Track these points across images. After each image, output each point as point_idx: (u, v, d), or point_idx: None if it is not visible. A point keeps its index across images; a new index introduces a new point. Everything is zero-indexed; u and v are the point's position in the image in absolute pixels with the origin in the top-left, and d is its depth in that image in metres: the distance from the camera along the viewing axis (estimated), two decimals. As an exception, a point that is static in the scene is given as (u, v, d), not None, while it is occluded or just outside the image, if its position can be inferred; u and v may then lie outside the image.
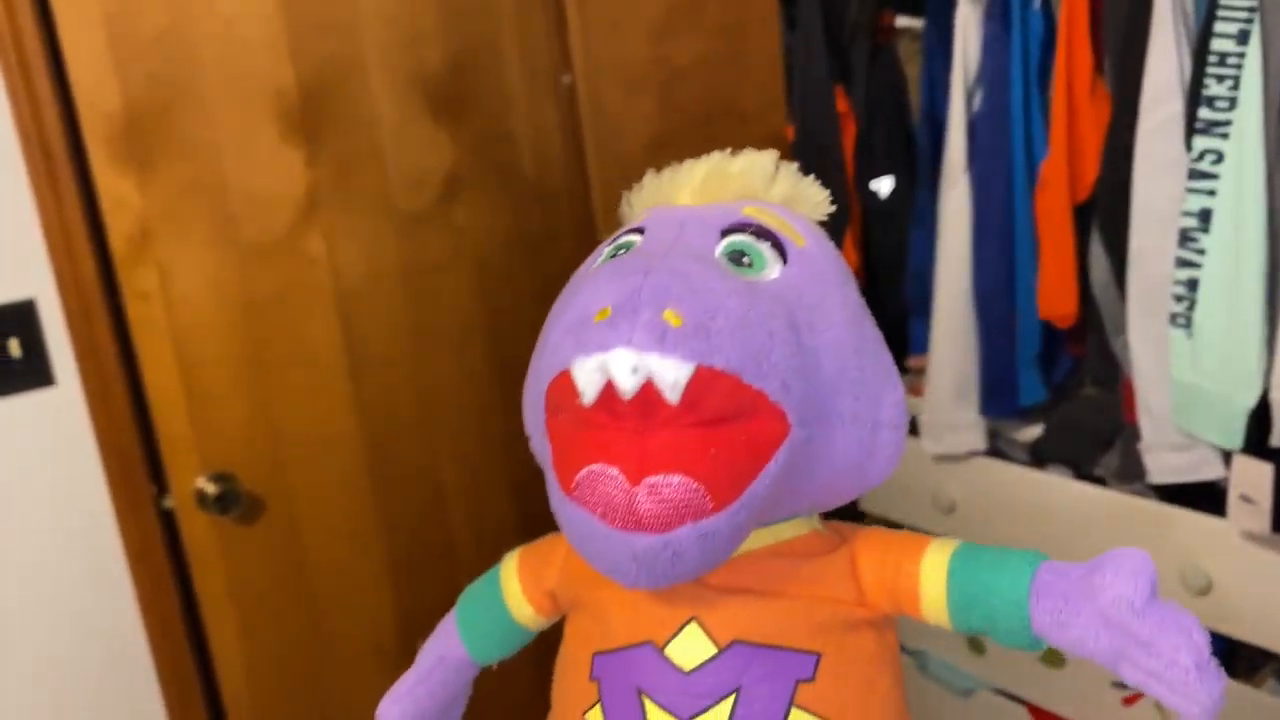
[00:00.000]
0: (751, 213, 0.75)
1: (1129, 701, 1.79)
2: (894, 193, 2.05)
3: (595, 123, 1.65)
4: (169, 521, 1.47)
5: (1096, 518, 1.78)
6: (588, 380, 0.62)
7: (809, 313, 0.70)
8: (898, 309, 2.05)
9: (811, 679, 0.71)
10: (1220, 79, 1.44)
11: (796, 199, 0.79)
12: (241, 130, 1.42)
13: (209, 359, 1.44)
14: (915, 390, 1.94)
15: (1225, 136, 1.44)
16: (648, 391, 0.61)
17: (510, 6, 1.59)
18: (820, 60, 1.98)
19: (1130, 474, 1.76)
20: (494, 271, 1.65)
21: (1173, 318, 1.54)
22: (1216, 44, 1.44)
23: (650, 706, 0.71)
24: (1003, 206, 1.78)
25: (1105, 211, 1.66)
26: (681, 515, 0.62)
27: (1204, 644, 0.63)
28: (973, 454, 1.92)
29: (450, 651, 0.89)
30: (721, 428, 0.63)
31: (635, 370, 0.61)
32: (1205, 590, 1.65)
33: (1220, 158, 1.45)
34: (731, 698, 0.70)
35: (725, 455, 0.63)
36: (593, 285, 0.65)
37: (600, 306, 0.63)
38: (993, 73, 1.75)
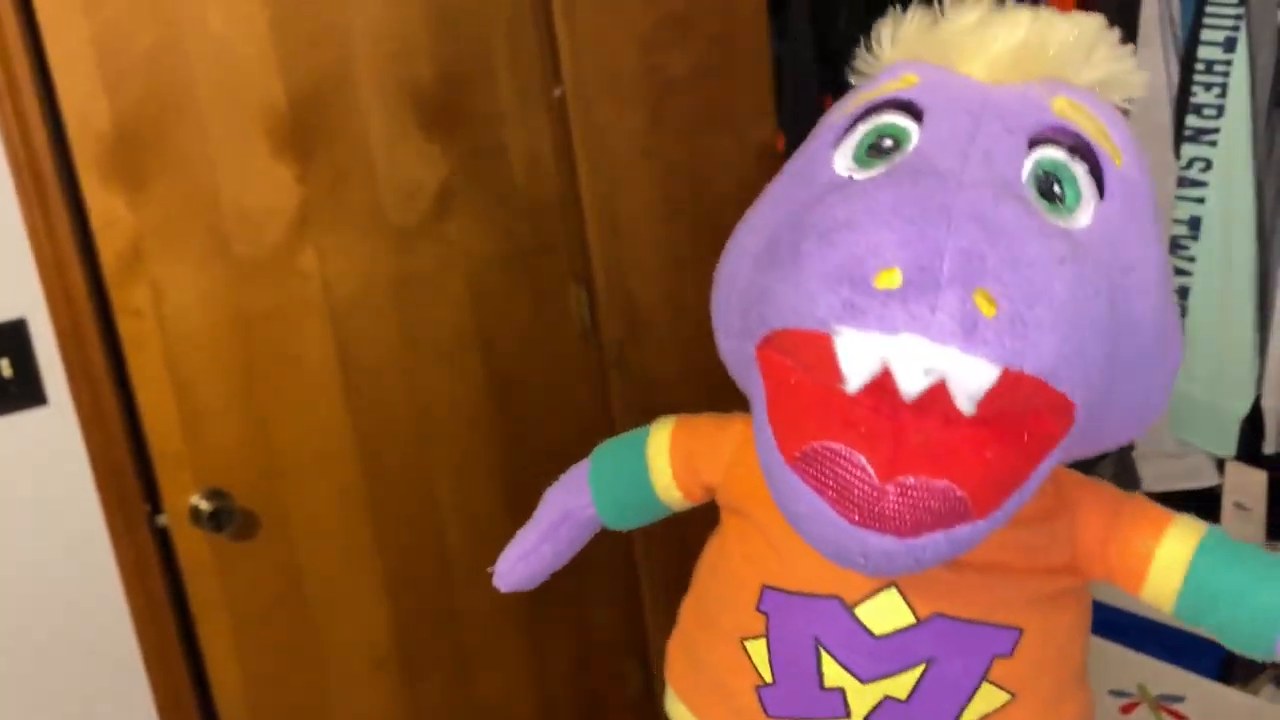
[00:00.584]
0: (1063, 109, 0.59)
1: (1127, 709, 1.79)
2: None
3: (586, 135, 1.66)
4: (163, 539, 1.46)
5: (1092, 525, 1.78)
6: (857, 365, 0.51)
7: (1125, 275, 0.57)
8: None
9: (1009, 654, 0.65)
10: (1208, 87, 1.45)
11: (1112, 83, 0.63)
12: (233, 146, 1.42)
13: (202, 376, 1.44)
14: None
15: (1213, 144, 1.45)
16: (935, 393, 0.50)
17: (501, 20, 1.59)
18: (810, 69, 1.99)
19: (1126, 481, 1.76)
20: (487, 284, 1.65)
21: (1165, 324, 1.54)
22: (1203, 52, 1.45)
23: (827, 660, 0.66)
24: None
25: (1096, 219, 1.66)
26: (936, 523, 0.53)
27: None
28: (1167, 510, 1.91)
29: (579, 510, 0.82)
30: (1000, 426, 0.52)
31: (928, 373, 0.49)
32: (1201, 596, 1.64)
33: (1208, 165, 1.46)
34: (921, 668, 0.65)
35: (1000, 460, 0.53)
36: (871, 219, 0.51)
37: (885, 263, 0.49)
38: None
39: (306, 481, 1.53)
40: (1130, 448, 1.71)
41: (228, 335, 1.45)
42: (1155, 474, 1.66)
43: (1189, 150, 1.47)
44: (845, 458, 0.52)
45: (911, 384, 0.49)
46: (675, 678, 0.79)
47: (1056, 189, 0.57)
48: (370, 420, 1.57)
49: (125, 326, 1.38)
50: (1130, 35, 1.55)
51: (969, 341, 0.49)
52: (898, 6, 0.65)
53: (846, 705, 0.67)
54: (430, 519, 1.65)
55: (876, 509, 0.52)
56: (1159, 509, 0.68)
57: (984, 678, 0.66)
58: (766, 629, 0.68)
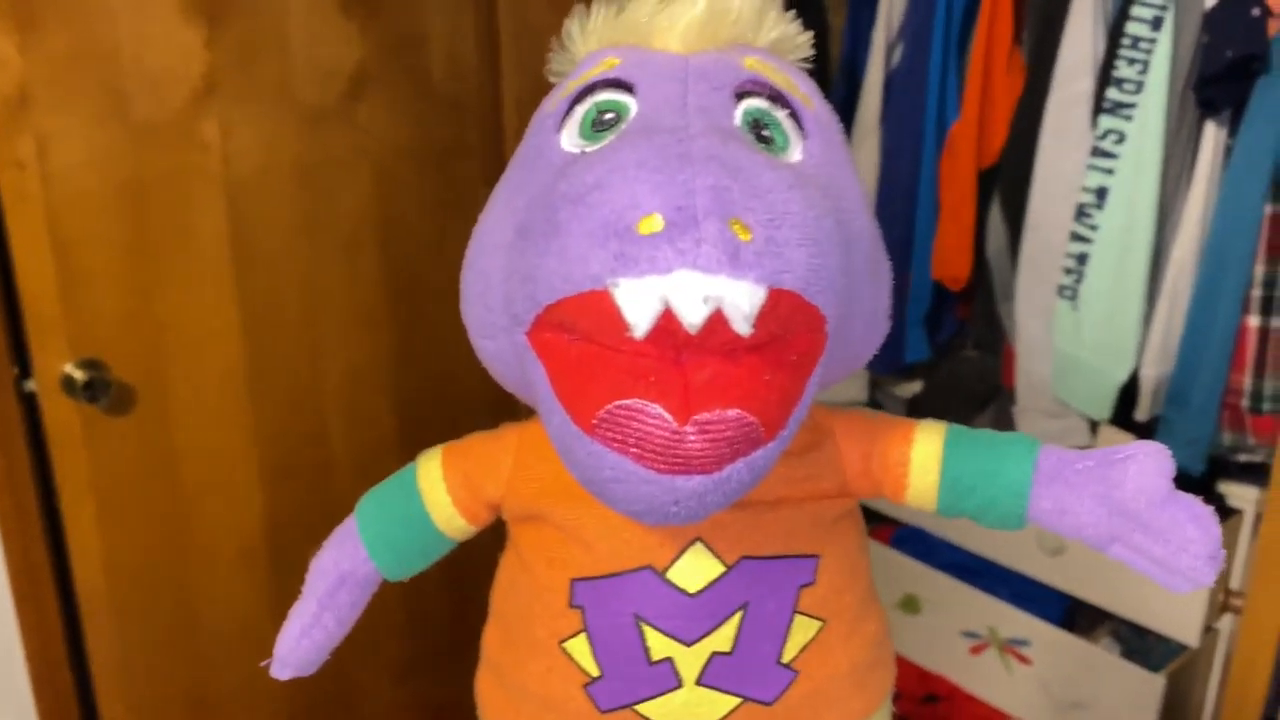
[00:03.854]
0: (754, 66, 0.64)
1: (976, 650, 1.88)
2: (805, 140, 2.06)
3: (515, 35, 1.61)
4: (31, 406, 1.40)
5: (965, 476, 1.84)
6: (641, 310, 0.52)
7: (838, 199, 0.62)
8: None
9: (812, 583, 0.69)
10: (1131, 61, 1.48)
11: (785, 44, 0.69)
12: (139, 1, 1.34)
13: (86, 239, 1.37)
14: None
15: (1129, 119, 1.48)
16: (713, 325, 0.52)
17: (436, -98, 1.53)
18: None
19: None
20: (394, 176, 1.60)
21: (1060, 289, 1.59)
22: (1131, 27, 1.48)
23: (651, 633, 0.67)
24: (909, 165, 1.81)
25: (1007, 180, 1.69)
26: (735, 452, 0.55)
27: (1218, 536, 0.65)
28: (853, 404, 1.96)
29: (355, 569, 0.77)
30: (771, 350, 0.55)
31: (707, 300, 0.51)
32: (1058, 551, 1.73)
33: (1122, 138, 1.49)
34: (738, 615, 0.67)
35: (777, 381, 0.56)
36: (620, 178, 0.53)
37: (643, 211, 0.52)
38: (915, 31, 1.76)
39: (188, 359, 1.48)
40: (1010, 404, 1.77)
41: (116, 199, 1.38)
42: (1030, 430, 1.71)
43: (1105, 121, 1.50)
44: (641, 410, 0.54)
45: (694, 314, 0.51)
46: (493, 713, 0.77)
47: (766, 133, 0.62)
48: (259, 304, 1.52)
49: (5, 179, 1.30)
50: (1064, 3, 1.57)
51: (735, 266, 0.51)
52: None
53: (677, 674, 0.68)
54: (313, 412, 1.62)
55: (680, 452, 0.54)
56: (904, 419, 0.72)
57: (795, 610, 0.69)
58: (584, 622, 0.68)
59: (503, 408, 0.91)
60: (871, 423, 0.72)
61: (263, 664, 0.79)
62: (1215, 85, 1.40)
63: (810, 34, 0.70)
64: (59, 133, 1.32)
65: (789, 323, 0.55)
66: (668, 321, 0.52)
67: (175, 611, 1.55)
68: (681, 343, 0.53)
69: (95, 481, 1.44)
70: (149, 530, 1.50)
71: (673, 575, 0.67)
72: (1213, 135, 1.46)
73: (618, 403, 0.54)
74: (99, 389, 1.38)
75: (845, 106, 1.96)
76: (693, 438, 0.54)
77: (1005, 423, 1.81)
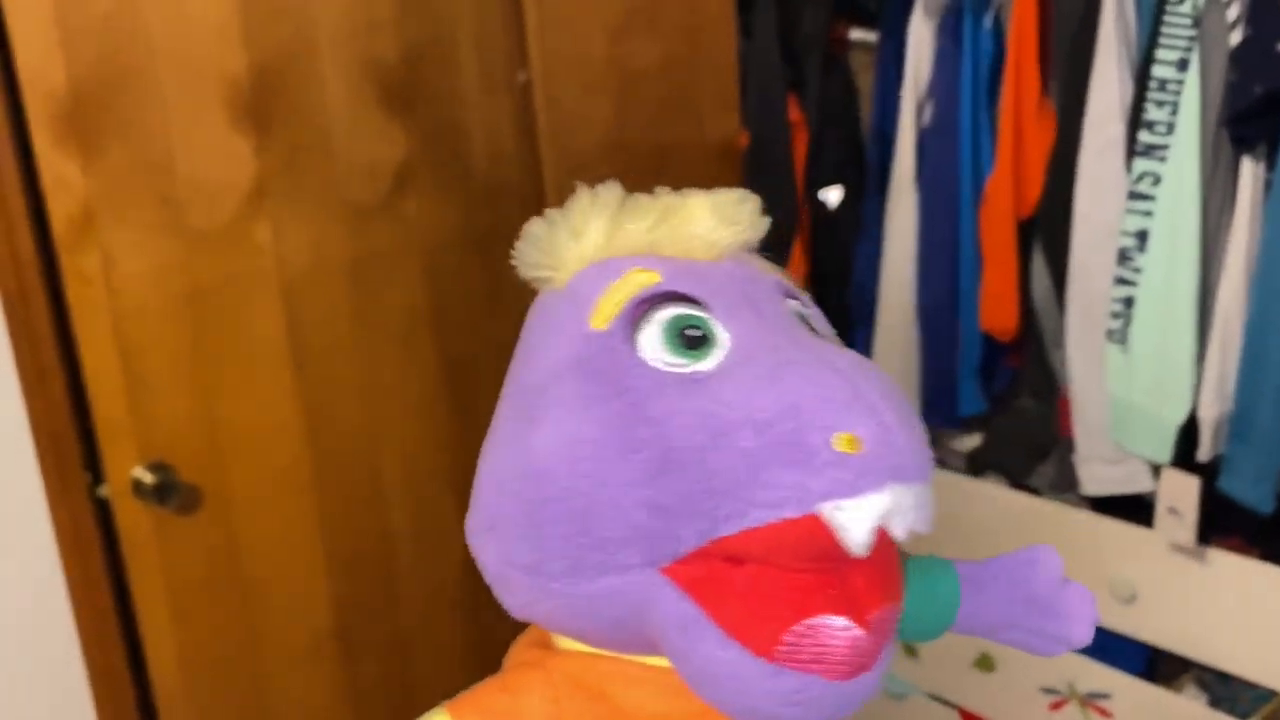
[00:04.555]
0: (768, 269, 0.65)
1: (1056, 706, 1.84)
2: (843, 203, 2.08)
3: (550, 120, 1.65)
4: (104, 511, 1.44)
5: (1030, 526, 1.82)
6: (863, 530, 0.51)
7: None
8: (841, 319, 2.07)
9: None
10: (1160, 104, 1.49)
11: (755, 233, 0.68)
12: (190, 114, 1.40)
13: (150, 346, 1.41)
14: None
15: (1163, 160, 1.48)
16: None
17: (468, 1, 1.59)
18: (774, 68, 2.00)
19: (1064, 485, 1.80)
20: (442, 267, 1.64)
21: (1109, 334, 1.58)
22: (1157, 70, 1.49)
23: None
24: (948, 220, 1.82)
25: (1047, 228, 1.70)
26: (889, 639, 0.56)
27: (1094, 603, 0.70)
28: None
29: None
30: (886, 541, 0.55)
31: (915, 509, 0.52)
32: (1131, 599, 1.69)
33: (1158, 180, 1.49)
34: None
35: (897, 564, 0.58)
36: (803, 397, 0.52)
37: (838, 429, 0.51)
38: (943, 88, 1.78)
39: (251, 458, 1.51)
40: (1070, 452, 1.75)
41: (177, 306, 1.42)
42: (1093, 478, 1.70)
43: (1140, 165, 1.50)
44: (829, 625, 0.53)
45: (904, 526, 0.52)
46: None
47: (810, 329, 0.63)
48: (318, 399, 1.56)
49: (74, 292, 1.36)
50: (1089, 51, 1.58)
51: (927, 474, 0.53)
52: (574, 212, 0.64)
53: None
54: (375, 501, 1.64)
55: (863, 657, 0.54)
56: None
57: None
58: None
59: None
60: None
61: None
62: (1247, 121, 1.40)
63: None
64: (121, 246, 1.37)
65: None
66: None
67: (250, 705, 1.56)
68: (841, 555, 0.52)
69: (167, 582, 1.47)
70: (221, 626, 1.53)
71: None
72: (1250, 170, 1.46)
73: (804, 623, 0.53)
74: (167, 491, 1.42)
75: (879, 167, 1.99)
76: (866, 639, 0.54)
77: (1067, 472, 1.78)
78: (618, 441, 0.56)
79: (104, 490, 1.42)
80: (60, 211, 1.34)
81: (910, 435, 0.52)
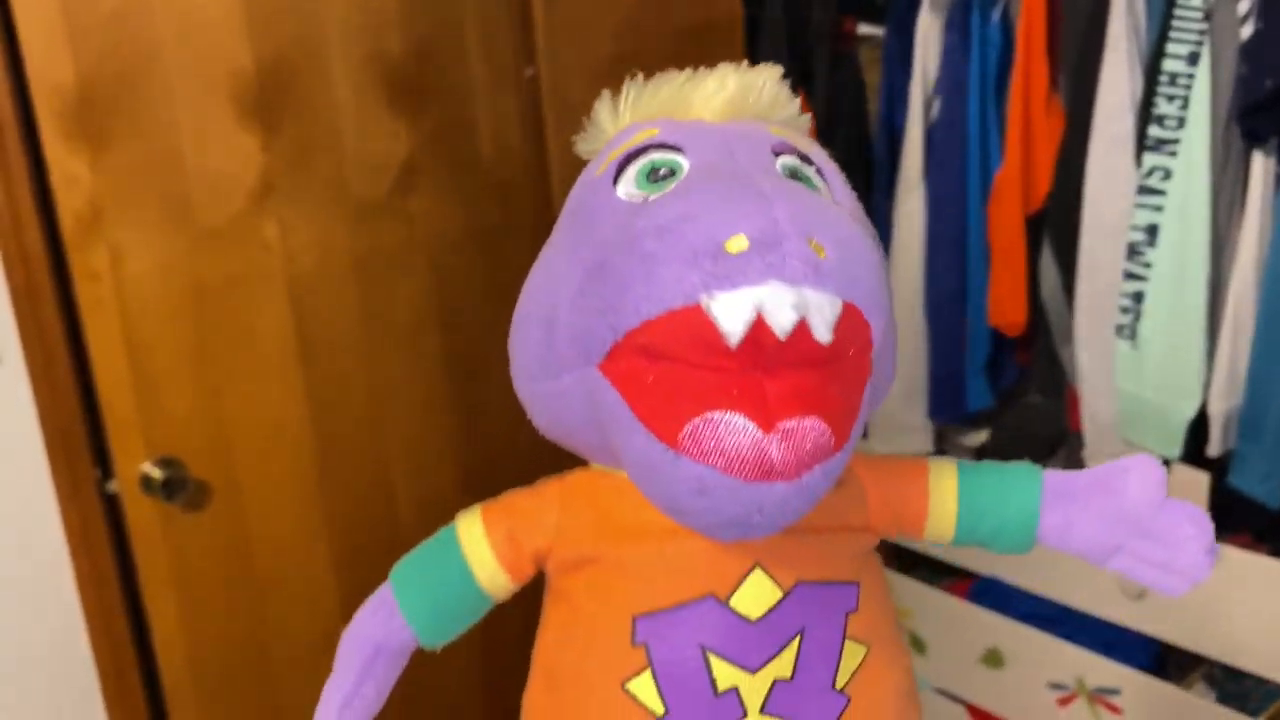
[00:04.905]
0: (779, 133, 0.71)
1: (1064, 702, 1.83)
2: (850, 198, 2.08)
3: (557, 117, 1.65)
4: (113, 506, 1.44)
5: (1038, 523, 1.81)
6: (736, 319, 0.56)
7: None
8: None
9: (856, 609, 0.71)
10: (1170, 98, 1.48)
11: (793, 121, 0.75)
12: (197, 111, 1.40)
13: (158, 342, 1.42)
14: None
15: (1173, 154, 1.48)
16: (796, 334, 0.56)
17: (475, -3, 1.59)
18: (782, 64, 1.99)
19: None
20: (449, 263, 1.64)
21: (1119, 329, 1.57)
22: (1167, 64, 1.48)
23: (717, 663, 0.68)
24: (957, 215, 1.81)
25: (1056, 223, 1.69)
26: (813, 459, 0.58)
27: (1212, 531, 0.70)
28: (919, 456, 1.95)
29: (391, 637, 0.79)
30: (837, 364, 0.59)
31: (795, 307, 0.56)
32: (1140, 595, 1.69)
33: (1168, 175, 1.49)
34: (797, 640, 0.69)
35: (843, 392, 0.60)
36: (704, 209, 0.58)
37: (730, 234, 0.56)
38: (951, 83, 1.78)
39: (259, 453, 1.52)
40: (1079, 447, 1.74)
41: (185, 302, 1.43)
42: (1101, 475, 1.69)
43: (1150, 159, 1.50)
44: (726, 421, 0.57)
45: (785, 320, 0.56)
46: None
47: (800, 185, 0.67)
48: (325, 395, 1.56)
49: (82, 289, 1.36)
50: (1098, 45, 1.58)
51: (818, 278, 0.57)
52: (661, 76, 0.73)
53: (742, 703, 0.68)
54: (382, 497, 1.64)
55: (764, 459, 0.57)
56: (911, 458, 0.77)
57: (844, 635, 0.71)
58: (649, 658, 0.69)
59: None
60: (887, 461, 0.77)
61: None
62: (1258, 115, 1.39)
63: (809, 116, 0.77)
64: (129, 242, 1.38)
65: (852, 339, 0.60)
66: (757, 331, 0.56)
67: (258, 699, 1.57)
68: (763, 356, 0.57)
69: (176, 577, 1.47)
70: (229, 621, 1.53)
71: (735, 602, 0.68)
72: (1261, 164, 1.46)
73: (705, 415, 0.57)
74: (176, 487, 1.42)
75: (887, 162, 1.98)
76: (776, 445, 0.57)
77: (1076, 467, 1.78)
78: (562, 264, 0.66)
79: (113, 486, 1.43)
80: (68, 208, 1.34)
81: (804, 242, 0.56)
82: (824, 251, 0.57)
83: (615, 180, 0.68)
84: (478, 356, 1.68)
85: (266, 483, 1.53)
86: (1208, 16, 1.45)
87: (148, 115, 1.37)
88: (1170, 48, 1.47)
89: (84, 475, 1.41)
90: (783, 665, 0.68)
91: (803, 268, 0.56)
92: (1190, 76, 1.46)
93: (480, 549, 0.76)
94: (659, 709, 0.69)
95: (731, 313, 0.56)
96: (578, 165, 0.75)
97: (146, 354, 1.41)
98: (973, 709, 1.97)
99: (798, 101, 0.76)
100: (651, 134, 0.69)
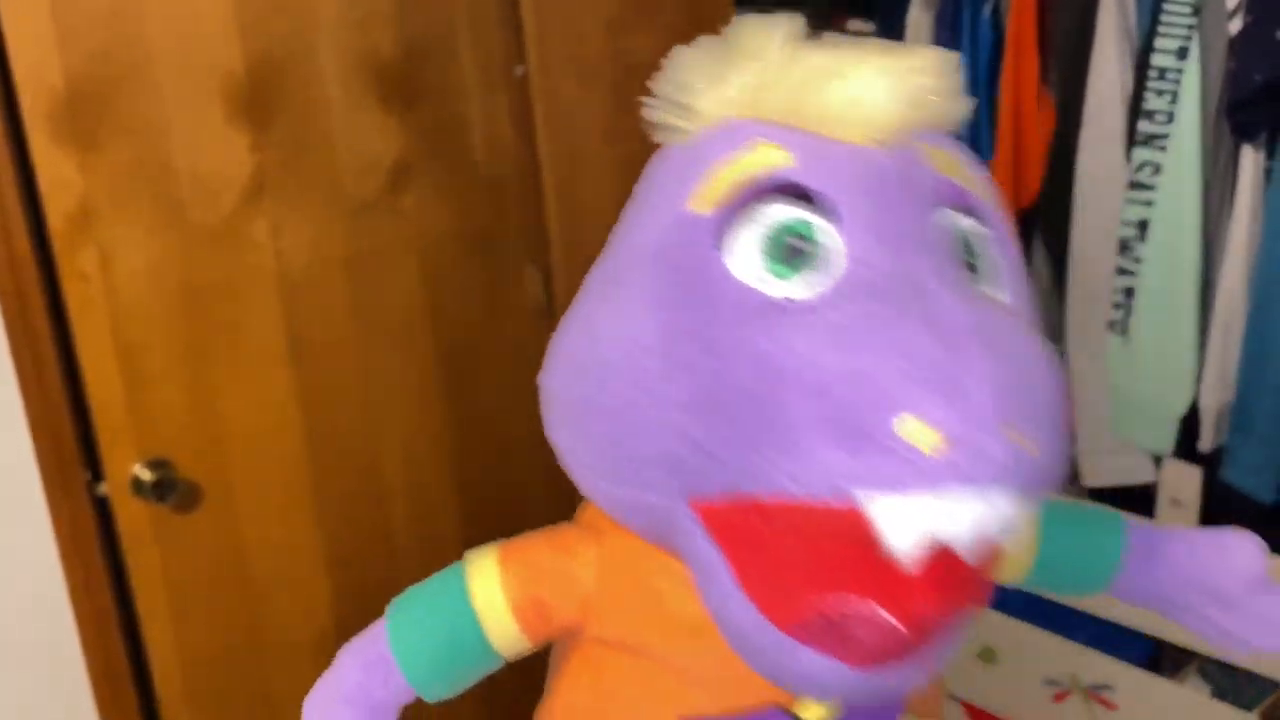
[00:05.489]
0: (942, 165, 0.53)
1: (1059, 698, 1.84)
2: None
3: (548, 115, 1.65)
4: (103, 509, 1.44)
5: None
6: (904, 531, 0.43)
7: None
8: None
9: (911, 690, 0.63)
10: (1160, 93, 1.48)
11: (948, 121, 0.56)
12: (187, 111, 1.39)
13: (148, 344, 1.41)
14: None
15: (1163, 149, 1.48)
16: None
17: (465, -5, 1.58)
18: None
19: (1066, 477, 1.79)
20: (441, 261, 1.64)
21: (1110, 324, 1.57)
22: (1157, 59, 1.48)
23: None
24: (948, 211, 1.81)
25: (1047, 219, 1.69)
26: (947, 643, 0.51)
27: None
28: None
29: (390, 696, 0.68)
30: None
31: (1002, 522, 0.44)
32: (1134, 591, 1.69)
33: (1158, 170, 1.49)
34: None
35: (986, 579, 0.51)
36: (876, 362, 0.42)
37: (904, 409, 0.42)
38: (941, 79, 1.78)
39: (250, 454, 1.51)
40: (1072, 443, 1.75)
41: (176, 303, 1.42)
42: (1094, 470, 1.69)
43: (1140, 154, 1.50)
44: (861, 613, 0.46)
45: (969, 538, 0.43)
46: None
47: (973, 262, 0.51)
48: (317, 395, 1.55)
49: (71, 290, 1.35)
50: (1088, 40, 1.58)
51: (1018, 480, 0.43)
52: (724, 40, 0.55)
53: None
54: (375, 496, 1.64)
55: (894, 649, 0.48)
56: None
57: (899, 711, 0.69)
58: None
59: (562, 481, 0.92)
60: None
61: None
62: (1247, 110, 1.40)
63: (965, 108, 0.58)
64: (119, 243, 1.37)
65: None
66: (943, 557, 0.44)
67: (251, 702, 1.56)
68: (940, 573, 0.45)
69: (168, 579, 1.47)
70: (222, 624, 1.52)
71: (800, 710, 0.59)
72: (1251, 158, 1.46)
73: (830, 603, 0.47)
74: (167, 488, 1.41)
75: (879, 158, 1.98)
76: (908, 636, 0.47)
77: (1069, 464, 1.78)
78: (672, 357, 0.50)
79: (103, 488, 1.42)
80: (57, 209, 1.33)
81: (1006, 434, 0.42)
82: (1035, 448, 0.43)
83: (724, 234, 0.50)
84: (470, 355, 1.67)
85: (258, 483, 1.52)
86: (1196, 11, 1.45)
87: (138, 115, 1.36)
88: (1159, 43, 1.47)
89: (74, 478, 1.40)
90: None
91: (1005, 470, 0.42)
92: (1180, 71, 1.46)
93: (496, 608, 0.64)
94: None
95: (902, 527, 0.43)
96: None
97: (136, 355, 1.40)
98: (968, 706, 1.97)
99: (967, 102, 0.56)
100: (781, 161, 0.51)
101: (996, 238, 0.53)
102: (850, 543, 0.44)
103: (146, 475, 1.41)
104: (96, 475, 1.42)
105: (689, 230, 0.53)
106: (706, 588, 0.52)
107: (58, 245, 1.34)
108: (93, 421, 1.40)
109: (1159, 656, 1.79)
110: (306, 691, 0.77)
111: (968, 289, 0.49)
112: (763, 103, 0.53)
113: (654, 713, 0.61)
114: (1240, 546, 0.67)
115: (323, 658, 1.61)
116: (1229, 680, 1.72)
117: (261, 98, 1.44)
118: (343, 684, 0.69)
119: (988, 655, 1.90)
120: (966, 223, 0.52)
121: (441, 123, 1.61)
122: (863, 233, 0.49)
